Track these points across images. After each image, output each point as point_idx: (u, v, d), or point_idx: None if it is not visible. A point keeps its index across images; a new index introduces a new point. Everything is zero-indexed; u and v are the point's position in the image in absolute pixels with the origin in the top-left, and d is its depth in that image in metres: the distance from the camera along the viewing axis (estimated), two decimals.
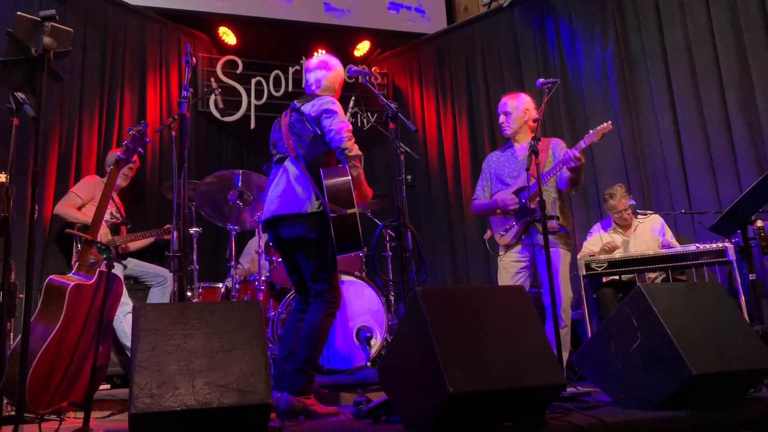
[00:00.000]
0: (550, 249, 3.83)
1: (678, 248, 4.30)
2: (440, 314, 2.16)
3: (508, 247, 3.99)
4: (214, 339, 2.11)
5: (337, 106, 3.25)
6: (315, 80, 3.49)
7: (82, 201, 4.75)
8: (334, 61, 3.55)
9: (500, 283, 3.99)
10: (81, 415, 2.64)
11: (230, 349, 2.10)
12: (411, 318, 2.25)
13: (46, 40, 2.41)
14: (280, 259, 4.73)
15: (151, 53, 6.00)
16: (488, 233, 4.18)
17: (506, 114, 4.11)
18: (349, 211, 2.98)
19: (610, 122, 3.81)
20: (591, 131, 3.80)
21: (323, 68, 3.50)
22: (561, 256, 3.85)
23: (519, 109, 4.11)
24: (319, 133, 3.21)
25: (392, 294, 5.05)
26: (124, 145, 3.27)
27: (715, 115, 5.05)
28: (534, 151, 3.26)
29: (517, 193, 3.92)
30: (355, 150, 3.14)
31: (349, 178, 3.07)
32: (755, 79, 4.85)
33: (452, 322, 2.17)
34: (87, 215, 4.60)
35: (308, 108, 3.29)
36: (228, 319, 2.17)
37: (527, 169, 3.36)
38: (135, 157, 4.98)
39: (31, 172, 2.22)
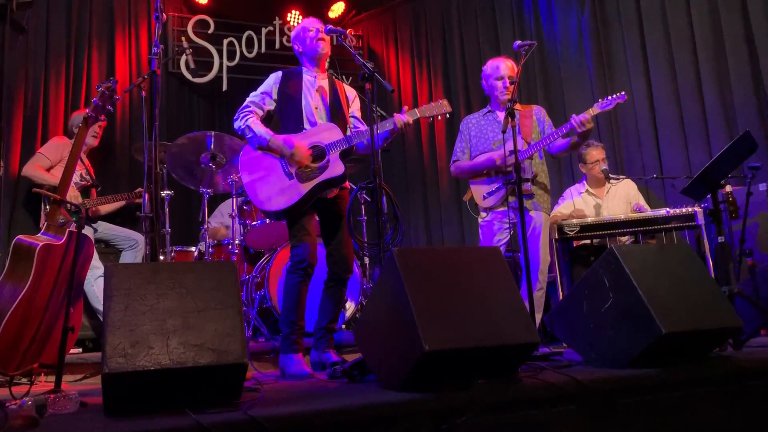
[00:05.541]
0: (535, 211, 3.88)
1: (649, 212, 4.36)
2: (416, 273, 2.16)
3: (490, 209, 3.98)
4: (188, 299, 2.08)
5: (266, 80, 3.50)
6: None
7: (50, 162, 4.63)
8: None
9: (481, 245, 4.00)
10: (52, 378, 2.61)
11: (205, 309, 2.08)
12: (387, 277, 2.25)
13: None
14: (254, 223, 4.69)
15: (120, 10, 5.83)
16: (468, 194, 4.15)
17: (511, 79, 3.94)
18: None
19: (624, 93, 3.79)
20: (602, 101, 3.76)
21: None
22: (543, 220, 3.88)
23: (517, 75, 4.05)
24: None
25: (367, 258, 5.05)
26: (92, 103, 3.17)
27: (688, 81, 5.10)
28: (510, 114, 3.25)
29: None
30: (236, 125, 3.37)
31: None
32: (728, 46, 4.90)
33: (428, 281, 2.17)
34: (56, 177, 4.49)
35: None
36: (202, 279, 2.14)
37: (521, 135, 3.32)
38: (102, 116, 4.87)
39: None
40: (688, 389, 2.32)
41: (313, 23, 3.48)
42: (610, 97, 3.80)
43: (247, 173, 3.31)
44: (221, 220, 5.30)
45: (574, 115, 3.72)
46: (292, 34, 3.60)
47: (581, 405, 2.14)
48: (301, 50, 3.50)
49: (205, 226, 4.70)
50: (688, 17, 5.11)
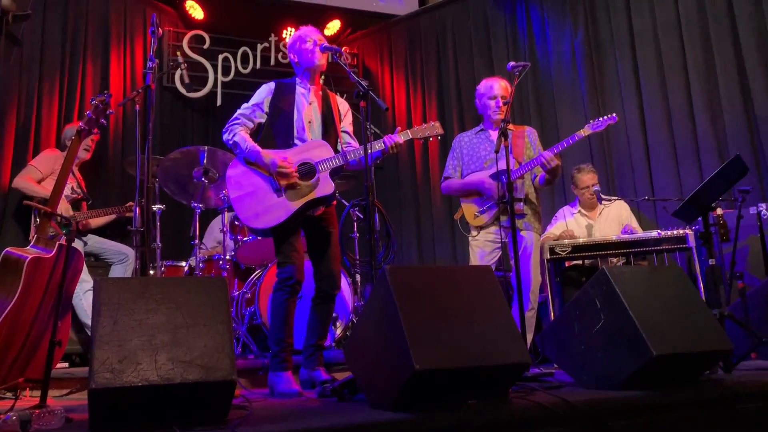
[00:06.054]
0: (527, 231, 3.88)
1: (640, 234, 4.38)
2: (407, 292, 2.15)
3: (481, 227, 3.97)
4: (177, 314, 2.06)
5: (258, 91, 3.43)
6: None
7: (41, 174, 4.61)
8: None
9: (472, 263, 3.98)
10: (38, 393, 2.58)
11: (194, 324, 2.06)
12: (378, 295, 2.24)
13: (5, 1, 2.32)
14: (245, 238, 4.68)
15: (115, 24, 5.84)
16: (459, 212, 4.14)
17: (504, 99, 3.94)
18: None
19: (615, 115, 3.83)
20: (593, 122, 3.80)
21: None
22: (534, 240, 3.88)
23: (510, 96, 4.08)
24: None
25: (358, 275, 5.03)
26: (85, 116, 3.17)
27: (680, 104, 5.15)
28: (503, 133, 3.26)
29: (495, 176, 3.91)
30: (225, 138, 3.31)
31: None
32: (719, 69, 4.96)
33: (419, 300, 2.16)
34: (47, 189, 4.47)
35: None
36: (192, 295, 2.12)
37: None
38: (95, 129, 4.88)
39: None
40: (678, 412, 2.32)
41: (310, 33, 3.38)
42: (601, 119, 3.83)
43: (235, 188, 3.23)
44: (214, 236, 5.27)
45: (542, 153, 3.76)
46: (288, 42, 3.50)
47: (572, 427, 2.12)
48: (296, 60, 3.42)
49: (196, 241, 4.68)
50: (680, 41, 5.18)
